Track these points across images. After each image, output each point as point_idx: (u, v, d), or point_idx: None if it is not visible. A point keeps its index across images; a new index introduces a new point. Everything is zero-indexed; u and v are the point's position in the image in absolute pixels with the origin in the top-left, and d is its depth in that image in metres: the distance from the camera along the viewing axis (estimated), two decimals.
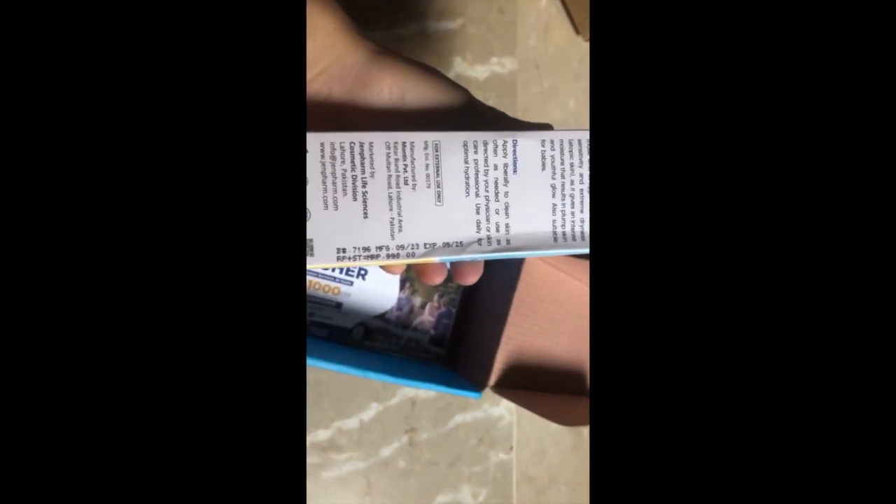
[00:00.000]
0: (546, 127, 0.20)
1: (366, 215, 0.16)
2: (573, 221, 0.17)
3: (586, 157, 0.17)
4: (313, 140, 0.16)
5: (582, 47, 0.57)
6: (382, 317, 0.44)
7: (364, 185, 0.16)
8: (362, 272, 0.43)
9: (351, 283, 0.43)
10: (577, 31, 0.56)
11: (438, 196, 0.16)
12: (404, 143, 0.16)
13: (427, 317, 0.46)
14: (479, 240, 0.16)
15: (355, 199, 0.16)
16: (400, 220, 0.16)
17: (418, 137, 0.17)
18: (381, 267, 0.24)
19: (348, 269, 0.43)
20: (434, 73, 0.18)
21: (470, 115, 0.18)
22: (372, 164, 0.16)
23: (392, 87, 0.17)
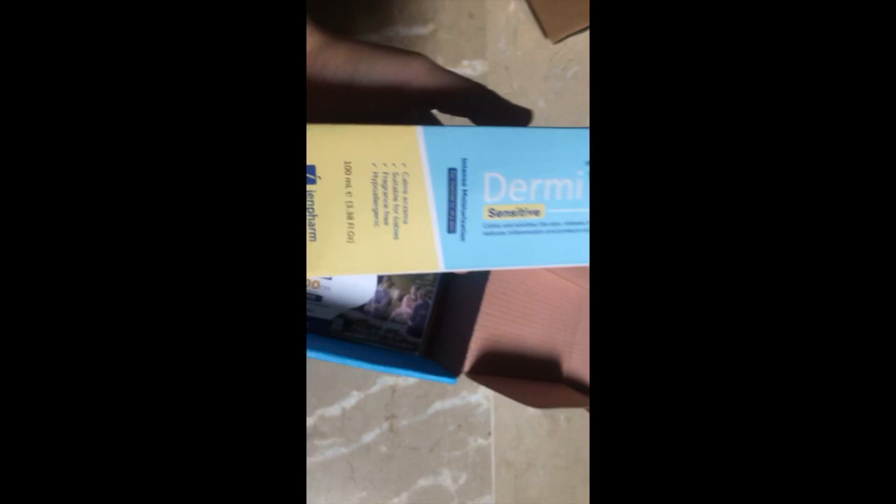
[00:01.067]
0: (527, 112, 0.22)
1: None
2: None
3: None
4: None
5: (550, 50, 0.59)
6: (361, 309, 0.47)
7: None
8: None
9: (330, 278, 0.45)
10: (546, 35, 0.59)
11: None
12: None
13: (405, 308, 0.48)
14: None
15: None
16: None
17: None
18: None
19: None
20: (384, 46, 0.20)
21: (429, 77, 0.20)
22: None
23: (345, 63, 0.19)
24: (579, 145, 0.18)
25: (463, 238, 0.18)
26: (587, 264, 0.19)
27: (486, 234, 0.18)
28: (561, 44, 0.61)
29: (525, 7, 0.58)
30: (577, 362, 0.60)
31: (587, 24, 0.56)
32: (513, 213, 0.18)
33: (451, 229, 0.18)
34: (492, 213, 0.18)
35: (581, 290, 0.59)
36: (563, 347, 0.58)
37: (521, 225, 0.18)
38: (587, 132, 0.18)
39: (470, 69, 0.54)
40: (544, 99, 0.59)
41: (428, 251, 0.18)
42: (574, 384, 0.59)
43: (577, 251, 0.19)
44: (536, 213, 0.18)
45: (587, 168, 0.18)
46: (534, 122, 0.65)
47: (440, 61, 0.52)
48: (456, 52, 0.53)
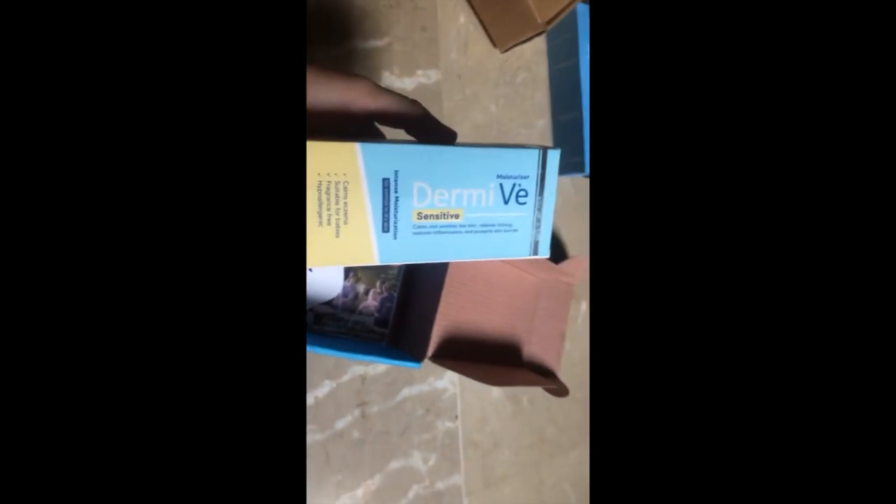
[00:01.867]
0: (453, 132, 0.25)
1: None
2: None
3: None
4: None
5: (500, 58, 0.64)
6: (330, 303, 0.50)
7: None
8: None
9: None
10: (494, 45, 0.64)
11: None
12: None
13: (371, 302, 0.52)
14: None
15: None
16: None
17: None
18: None
19: None
20: (330, 71, 0.21)
21: (371, 98, 0.22)
22: None
23: None
24: (491, 162, 0.22)
25: (395, 237, 0.21)
26: (497, 258, 0.23)
27: (415, 233, 0.21)
28: (509, 52, 0.65)
29: (474, 20, 0.63)
30: (537, 347, 0.64)
31: (531, 34, 0.61)
32: (437, 217, 0.21)
33: (385, 229, 0.21)
34: (420, 216, 0.21)
35: (536, 280, 0.63)
36: (521, 334, 0.62)
37: (444, 226, 0.22)
38: (498, 151, 0.22)
39: (424, 78, 0.58)
40: (495, 104, 0.63)
41: (365, 247, 0.21)
42: (535, 368, 0.64)
43: (489, 248, 0.23)
44: (456, 216, 0.22)
45: (497, 181, 0.22)
46: (486, 127, 0.69)
47: (396, 71, 0.56)
48: (411, 63, 0.57)
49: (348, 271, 0.51)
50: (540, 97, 0.67)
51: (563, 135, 0.66)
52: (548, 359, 0.64)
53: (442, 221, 0.21)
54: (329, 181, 0.20)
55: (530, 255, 0.23)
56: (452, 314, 0.52)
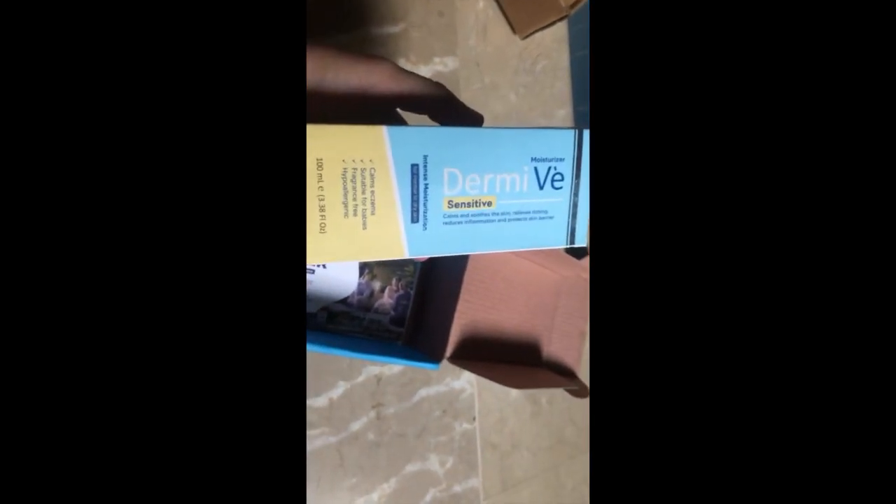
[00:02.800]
0: (479, 116, 0.23)
1: None
2: None
3: None
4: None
5: (519, 45, 0.61)
6: (344, 301, 0.48)
7: None
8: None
9: (313, 272, 0.46)
10: (514, 31, 0.61)
11: None
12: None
13: (387, 299, 0.50)
14: None
15: None
16: None
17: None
18: None
19: None
20: (349, 53, 0.20)
21: (393, 81, 0.21)
22: None
23: (313, 72, 0.19)
24: (525, 144, 0.20)
25: (425, 227, 0.19)
26: (532, 248, 0.21)
27: (446, 223, 0.20)
28: (529, 39, 0.63)
29: (493, 4, 0.60)
30: (557, 346, 0.62)
31: (553, 19, 0.58)
32: (469, 205, 0.20)
33: (414, 220, 0.19)
34: (451, 204, 0.20)
35: (557, 276, 0.61)
36: (542, 332, 0.60)
37: (476, 215, 0.20)
38: (532, 132, 0.20)
39: (441, 66, 0.55)
40: (515, 93, 0.61)
41: (394, 240, 0.19)
42: (554, 367, 0.61)
43: (523, 237, 0.21)
44: (489, 204, 0.20)
45: (532, 164, 0.20)
46: (505, 117, 0.66)
47: (412, 59, 0.54)
48: (427, 50, 0.54)
49: (363, 268, 0.49)
50: (561, 86, 0.64)
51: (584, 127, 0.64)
52: (568, 358, 0.62)
53: (474, 210, 0.20)
54: (355, 168, 0.18)
55: (567, 243, 0.22)
56: (471, 313, 0.50)
